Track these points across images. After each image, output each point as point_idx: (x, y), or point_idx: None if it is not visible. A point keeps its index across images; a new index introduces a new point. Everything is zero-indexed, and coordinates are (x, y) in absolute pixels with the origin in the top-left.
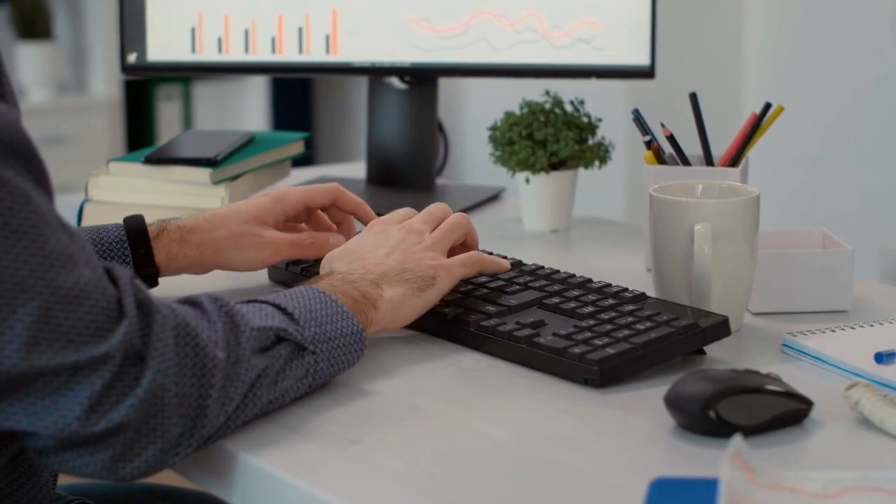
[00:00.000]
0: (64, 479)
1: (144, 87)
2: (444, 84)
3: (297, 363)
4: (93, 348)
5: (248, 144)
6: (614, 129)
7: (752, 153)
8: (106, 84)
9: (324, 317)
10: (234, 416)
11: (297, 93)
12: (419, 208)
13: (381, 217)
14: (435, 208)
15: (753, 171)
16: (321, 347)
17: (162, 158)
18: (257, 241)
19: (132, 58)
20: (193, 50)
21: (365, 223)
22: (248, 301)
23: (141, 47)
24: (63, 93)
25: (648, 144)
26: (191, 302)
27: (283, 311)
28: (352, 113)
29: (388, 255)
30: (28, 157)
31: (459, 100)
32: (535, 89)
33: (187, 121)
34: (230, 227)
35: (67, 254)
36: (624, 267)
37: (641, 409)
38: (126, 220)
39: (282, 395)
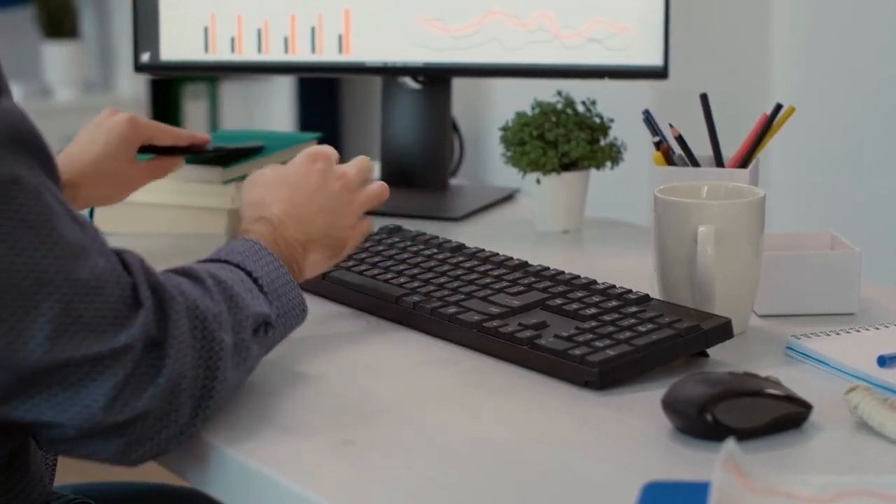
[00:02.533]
0: (64, 479)
1: (170, 86)
2: (469, 83)
3: (264, 339)
4: (113, 338)
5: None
6: (638, 129)
7: (776, 154)
8: (132, 83)
9: (282, 287)
10: (229, 397)
11: (325, 92)
12: (434, 209)
13: (320, 150)
14: (365, 163)
15: (776, 172)
16: (280, 322)
17: None
18: (126, 180)
19: (145, 57)
20: (206, 49)
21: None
22: (218, 261)
23: (154, 47)
24: (89, 92)
25: (658, 145)
26: (192, 276)
27: (256, 282)
28: (379, 112)
29: (321, 210)
30: (36, 148)
31: (485, 99)
32: (562, 89)
33: (214, 120)
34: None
35: (81, 246)
36: (633, 268)
37: (640, 411)
38: None
39: (247, 373)
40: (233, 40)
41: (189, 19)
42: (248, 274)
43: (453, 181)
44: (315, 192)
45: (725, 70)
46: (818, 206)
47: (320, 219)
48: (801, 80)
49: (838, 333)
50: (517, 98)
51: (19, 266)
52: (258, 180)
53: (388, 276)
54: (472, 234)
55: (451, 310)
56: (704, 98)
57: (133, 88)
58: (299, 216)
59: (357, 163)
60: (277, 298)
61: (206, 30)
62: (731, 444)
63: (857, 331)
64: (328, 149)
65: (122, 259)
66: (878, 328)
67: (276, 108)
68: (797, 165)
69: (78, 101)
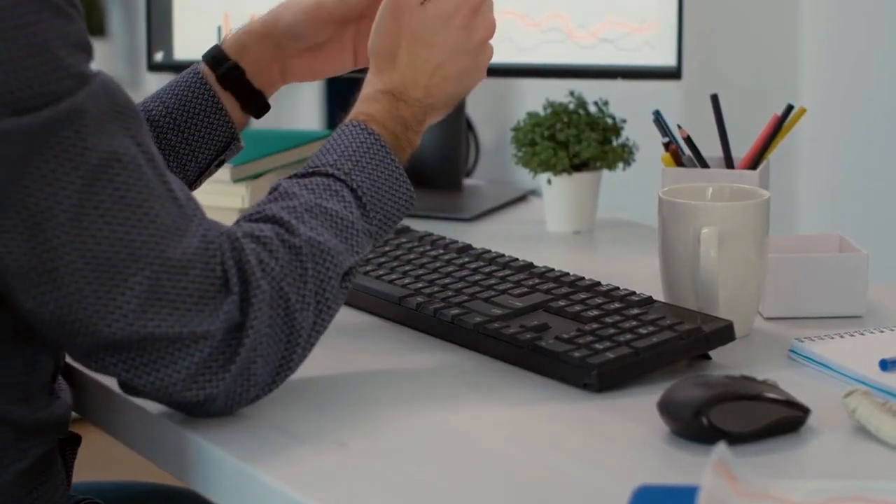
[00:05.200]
0: (73, 479)
1: None
2: (493, 82)
3: (349, 283)
4: (196, 320)
5: (272, 142)
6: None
7: (804, 155)
8: (159, 81)
9: (388, 191)
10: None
11: (354, 91)
12: (446, 210)
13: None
14: None
15: (806, 172)
16: (380, 234)
17: None
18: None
19: (159, 56)
20: None
21: None
22: (326, 175)
23: (168, 46)
24: None
25: (667, 146)
26: (290, 245)
27: (360, 200)
28: None
29: (457, 72)
30: (135, 117)
31: (510, 98)
32: (588, 89)
33: None
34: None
35: (175, 226)
36: (642, 270)
37: (638, 414)
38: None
39: (329, 323)
40: None
41: (203, 18)
42: (353, 191)
43: (468, 181)
44: (450, 54)
45: (751, 70)
46: (843, 208)
47: (451, 82)
48: (829, 81)
49: (842, 336)
50: (543, 98)
51: (114, 240)
52: (396, 19)
53: (393, 276)
54: (482, 235)
55: (454, 311)
56: (715, 99)
57: (160, 86)
58: (428, 89)
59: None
60: (381, 207)
61: (219, 29)
62: (721, 447)
63: (862, 334)
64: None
65: (217, 239)
66: (882, 331)
67: (305, 107)
68: (824, 167)
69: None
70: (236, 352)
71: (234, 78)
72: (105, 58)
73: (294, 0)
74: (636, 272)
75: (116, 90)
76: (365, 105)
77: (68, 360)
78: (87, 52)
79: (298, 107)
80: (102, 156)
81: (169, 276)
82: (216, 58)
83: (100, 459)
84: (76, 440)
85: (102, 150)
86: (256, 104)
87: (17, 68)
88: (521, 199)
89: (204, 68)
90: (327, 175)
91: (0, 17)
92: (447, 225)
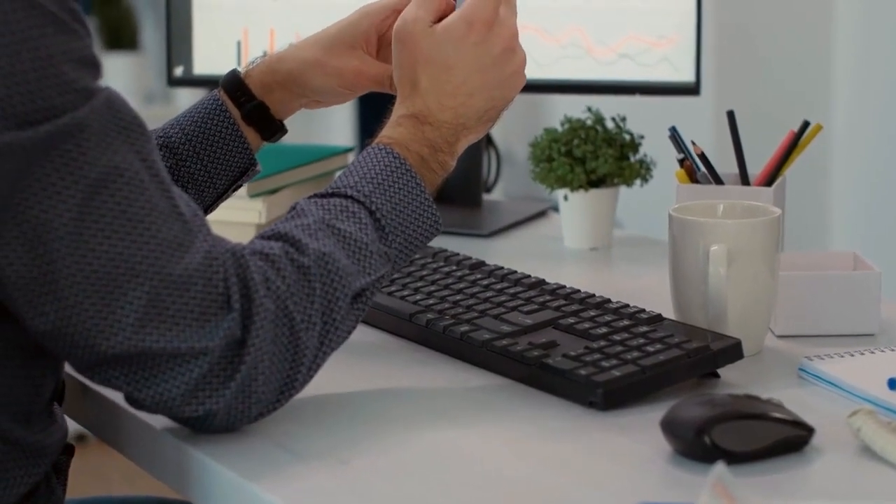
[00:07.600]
0: (71, 494)
1: None
2: (522, 98)
3: (363, 305)
4: (195, 336)
5: (289, 157)
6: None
7: (836, 171)
8: (192, 95)
9: (411, 215)
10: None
11: (386, 106)
12: (464, 225)
13: (473, 18)
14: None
15: (837, 189)
16: (401, 257)
17: None
18: (334, 70)
19: (179, 71)
20: (239, 63)
21: None
22: (344, 196)
23: (188, 61)
24: (150, 103)
25: (682, 162)
26: (299, 264)
27: (378, 222)
28: None
29: (479, 89)
30: (141, 133)
31: (540, 113)
32: (609, 104)
33: None
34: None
35: (177, 242)
36: (656, 287)
37: (642, 433)
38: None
39: (338, 345)
40: (265, 55)
41: (222, 33)
42: (371, 214)
43: (488, 196)
44: (472, 70)
45: (782, 87)
46: (873, 225)
47: (480, 98)
48: (861, 97)
49: (852, 355)
50: (573, 112)
51: (114, 255)
52: (409, 47)
53: (405, 293)
54: (499, 251)
55: (463, 328)
56: (731, 115)
57: (193, 100)
58: (455, 109)
59: (511, 3)
60: (401, 231)
61: (238, 44)
62: (720, 467)
63: (872, 352)
64: (483, 13)
65: (221, 255)
66: (894, 350)
67: (337, 122)
68: (854, 184)
69: (139, 113)
70: (237, 368)
71: (258, 115)
72: (137, 72)
73: (325, 62)
74: (651, 289)
75: (122, 105)
76: (388, 130)
77: (75, 373)
78: (93, 68)
79: (330, 121)
80: (103, 170)
81: (169, 291)
82: (239, 91)
83: (102, 473)
84: (69, 451)
85: (104, 164)
86: (277, 133)
87: (20, 82)
88: (541, 214)
89: (224, 97)
90: (346, 196)
91: (4, 31)
92: (464, 241)
